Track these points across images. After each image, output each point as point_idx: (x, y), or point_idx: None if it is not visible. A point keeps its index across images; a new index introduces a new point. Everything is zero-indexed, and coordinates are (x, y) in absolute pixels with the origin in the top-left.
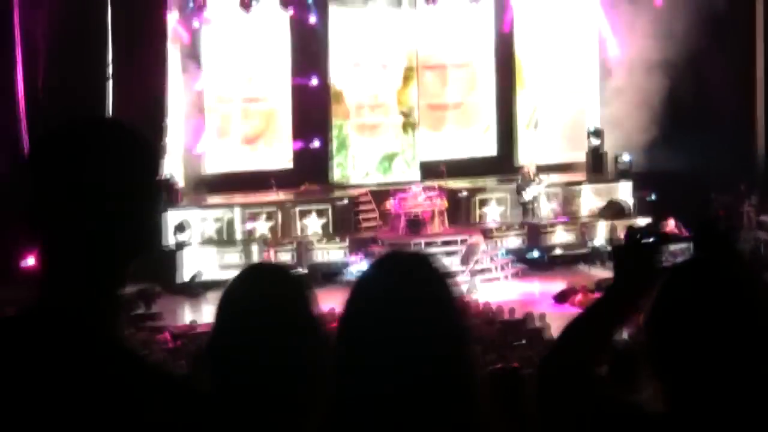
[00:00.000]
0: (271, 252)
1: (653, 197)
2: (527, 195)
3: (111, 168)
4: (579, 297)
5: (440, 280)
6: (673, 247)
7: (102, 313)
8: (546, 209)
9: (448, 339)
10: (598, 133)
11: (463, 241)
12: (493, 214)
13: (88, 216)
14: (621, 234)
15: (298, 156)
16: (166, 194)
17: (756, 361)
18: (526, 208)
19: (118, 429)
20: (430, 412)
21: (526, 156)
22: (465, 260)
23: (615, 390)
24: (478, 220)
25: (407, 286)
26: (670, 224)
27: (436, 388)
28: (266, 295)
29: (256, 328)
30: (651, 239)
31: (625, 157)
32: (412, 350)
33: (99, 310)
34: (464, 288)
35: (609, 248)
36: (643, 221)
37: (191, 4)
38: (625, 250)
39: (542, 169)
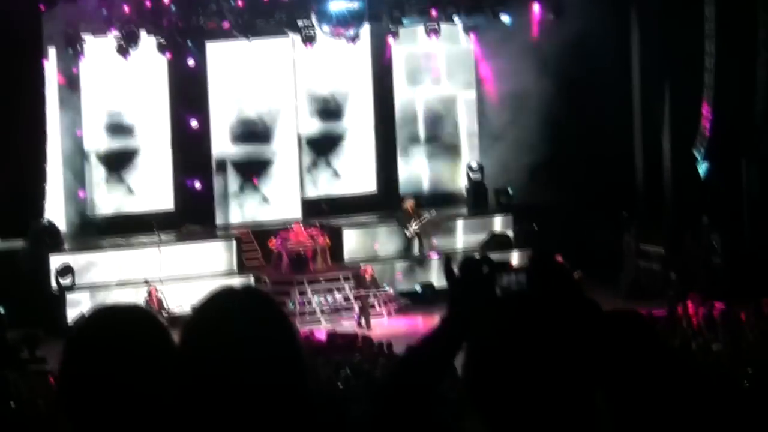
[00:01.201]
0: (156, 292)
1: (535, 227)
2: (409, 231)
3: None
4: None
5: (271, 311)
6: (509, 277)
7: None
8: (427, 244)
9: (280, 365)
10: (478, 168)
11: (346, 278)
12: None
13: None
14: (455, 264)
15: (180, 198)
16: (50, 238)
17: (574, 394)
18: (409, 243)
19: None
20: None
21: (409, 190)
22: (357, 288)
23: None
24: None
25: (239, 319)
26: (557, 258)
27: (271, 411)
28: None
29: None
30: (486, 269)
31: (508, 191)
32: (248, 381)
33: None
34: (356, 319)
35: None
36: (524, 254)
37: (70, 51)
38: (461, 281)
39: (422, 203)
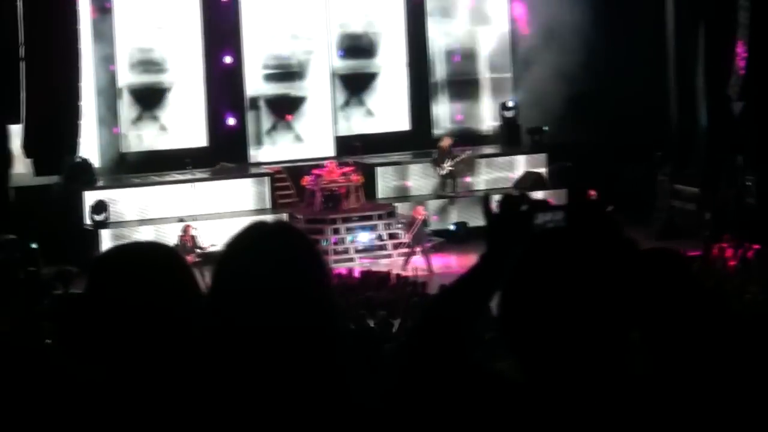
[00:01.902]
0: (190, 230)
1: (569, 165)
2: (444, 169)
3: None
4: None
5: (303, 247)
6: (546, 215)
7: None
8: (459, 183)
9: (311, 305)
10: (511, 105)
11: (379, 216)
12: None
13: None
14: (495, 203)
15: (214, 135)
16: (83, 175)
17: (609, 333)
18: (443, 182)
19: None
20: (293, 374)
21: (443, 129)
22: (410, 231)
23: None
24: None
25: (269, 254)
26: (591, 194)
27: (299, 352)
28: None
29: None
30: (524, 208)
31: (543, 129)
32: (279, 317)
33: None
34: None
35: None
36: (558, 193)
37: None
38: (499, 219)
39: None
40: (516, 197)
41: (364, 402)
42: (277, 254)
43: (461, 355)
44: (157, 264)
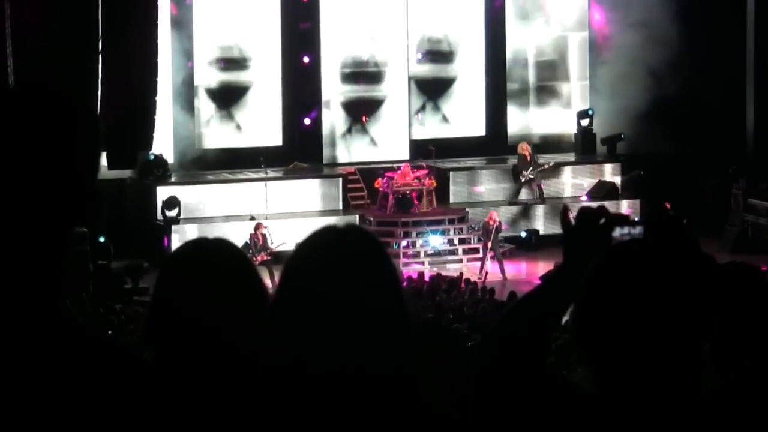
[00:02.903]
0: (262, 228)
1: (641, 174)
2: (524, 176)
3: (40, 134)
4: None
5: (377, 252)
6: (624, 230)
7: (39, 284)
8: (538, 190)
9: (387, 311)
10: (588, 114)
11: (451, 221)
12: (483, 193)
13: (18, 185)
14: (572, 215)
15: (289, 135)
16: (157, 170)
17: (684, 347)
18: (522, 188)
19: (59, 399)
20: (368, 384)
21: (518, 136)
22: (488, 238)
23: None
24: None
25: (343, 257)
26: (666, 208)
27: (372, 362)
28: (205, 269)
29: (196, 301)
30: (602, 221)
31: (620, 136)
32: (348, 322)
33: (35, 280)
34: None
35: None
36: (632, 203)
37: None
38: (577, 232)
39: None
40: (594, 210)
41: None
42: (348, 257)
43: (537, 364)
44: (223, 265)
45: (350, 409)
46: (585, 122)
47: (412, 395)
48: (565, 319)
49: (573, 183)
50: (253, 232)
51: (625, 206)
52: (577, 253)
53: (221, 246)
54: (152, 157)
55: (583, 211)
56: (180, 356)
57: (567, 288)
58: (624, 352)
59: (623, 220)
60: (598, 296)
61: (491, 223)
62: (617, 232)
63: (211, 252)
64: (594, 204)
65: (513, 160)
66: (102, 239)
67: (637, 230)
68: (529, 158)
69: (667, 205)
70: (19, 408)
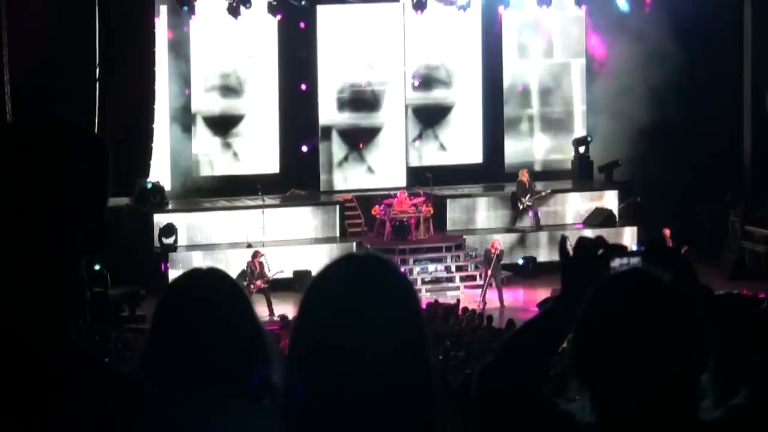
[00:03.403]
0: (260, 257)
1: (638, 200)
2: (522, 204)
3: (55, 165)
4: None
5: (398, 281)
6: (623, 260)
7: (49, 313)
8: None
9: (407, 340)
10: (585, 141)
11: (448, 248)
12: (480, 220)
13: (30, 215)
14: (570, 245)
15: (286, 162)
16: (154, 198)
17: (682, 376)
18: (517, 215)
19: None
20: (387, 414)
21: (515, 164)
22: (489, 265)
23: (554, 390)
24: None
25: (364, 286)
26: (666, 234)
27: (392, 392)
28: (201, 300)
29: (193, 333)
30: (601, 251)
31: (617, 162)
32: (369, 351)
33: (45, 310)
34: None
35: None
36: (629, 229)
37: (183, 9)
38: (576, 262)
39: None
40: (593, 240)
41: None
42: (370, 285)
43: (535, 393)
44: (215, 295)
45: None
46: (582, 149)
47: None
48: (562, 347)
49: (570, 210)
50: (250, 260)
51: (624, 233)
52: (575, 283)
53: (214, 276)
54: (149, 184)
55: (582, 241)
56: (174, 385)
57: (565, 317)
58: (622, 381)
59: (621, 250)
60: (596, 325)
61: (493, 251)
62: (616, 263)
63: (204, 283)
64: (592, 234)
65: (510, 188)
66: (97, 267)
67: (636, 260)
68: (527, 185)
69: (667, 232)
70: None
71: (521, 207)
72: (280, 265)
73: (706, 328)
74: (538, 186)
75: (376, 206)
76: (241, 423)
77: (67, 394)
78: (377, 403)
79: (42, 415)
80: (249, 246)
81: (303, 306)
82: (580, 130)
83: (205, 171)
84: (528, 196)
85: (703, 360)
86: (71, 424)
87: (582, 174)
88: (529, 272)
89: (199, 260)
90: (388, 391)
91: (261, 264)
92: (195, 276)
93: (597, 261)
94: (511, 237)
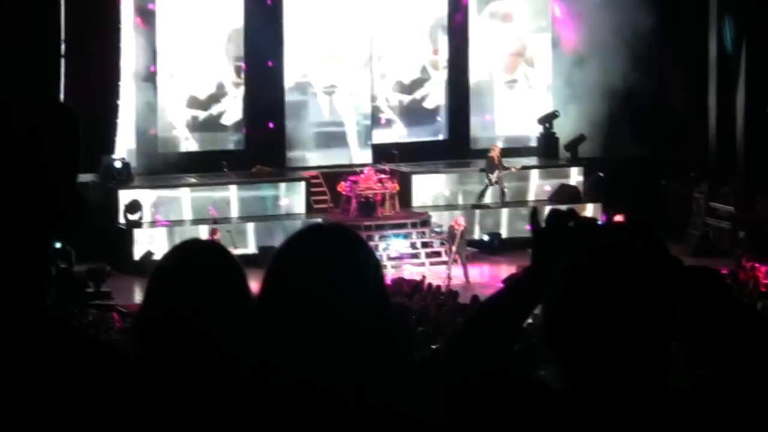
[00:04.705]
0: (219, 233)
1: (600, 175)
2: (492, 179)
3: (26, 134)
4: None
5: (362, 251)
6: (593, 234)
7: (24, 286)
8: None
9: (371, 311)
10: (550, 117)
11: (413, 224)
12: (445, 197)
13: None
14: (542, 217)
15: (252, 138)
16: (119, 174)
17: (652, 345)
18: (484, 191)
19: (42, 394)
20: (351, 386)
21: (481, 139)
22: (453, 242)
23: (520, 365)
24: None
25: (328, 256)
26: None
27: (356, 360)
28: (195, 271)
29: (186, 304)
30: (572, 223)
31: (582, 136)
32: (333, 320)
33: (20, 282)
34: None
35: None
36: (594, 207)
37: None
38: (546, 234)
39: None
40: (564, 212)
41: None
42: (336, 256)
43: (504, 364)
44: (218, 269)
45: (332, 410)
46: (547, 126)
47: (393, 397)
48: (528, 321)
49: (536, 187)
50: (209, 237)
51: (588, 210)
52: (546, 255)
53: (212, 249)
54: (115, 160)
55: (554, 213)
56: (167, 353)
57: (534, 289)
58: (593, 350)
59: (592, 224)
60: (569, 294)
61: (457, 227)
62: (589, 236)
63: (204, 253)
64: (564, 207)
65: (476, 164)
66: (59, 244)
67: (607, 234)
68: (497, 161)
69: (621, 214)
70: (5, 406)
71: (489, 183)
72: (246, 241)
73: (675, 298)
74: (506, 162)
75: (342, 183)
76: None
77: (46, 362)
78: (341, 374)
79: (21, 385)
80: (215, 222)
81: (268, 275)
82: (546, 107)
83: (171, 147)
84: (496, 172)
85: (673, 329)
86: (49, 393)
87: (547, 151)
88: (494, 249)
89: (165, 237)
90: (351, 362)
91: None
92: (191, 248)
93: (568, 233)
94: (476, 213)
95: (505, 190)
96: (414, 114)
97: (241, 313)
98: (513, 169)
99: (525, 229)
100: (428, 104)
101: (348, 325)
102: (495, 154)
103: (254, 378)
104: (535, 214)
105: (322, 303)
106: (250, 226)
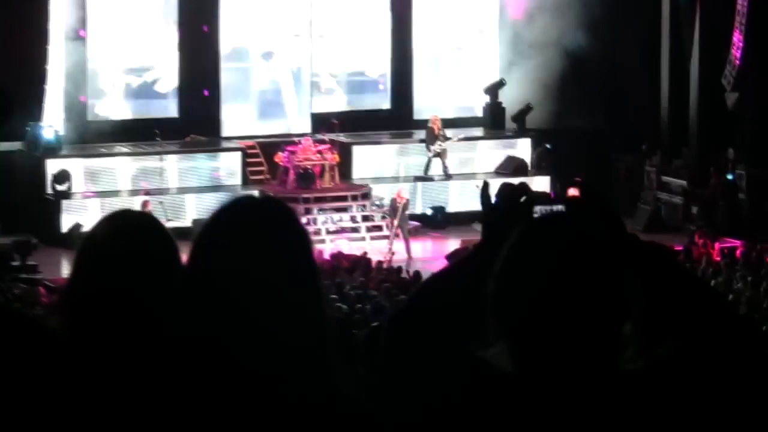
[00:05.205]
0: (151, 205)
1: (548, 147)
2: (433, 150)
3: None
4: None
5: (291, 224)
6: (546, 208)
7: None
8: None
9: (300, 288)
10: (497, 87)
11: (354, 197)
12: (387, 169)
13: None
14: (492, 191)
15: (186, 107)
16: (47, 143)
17: (604, 326)
18: (428, 163)
19: None
20: (280, 369)
21: (425, 110)
22: (395, 216)
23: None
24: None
25: (255, 230)
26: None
27: (284, 340)
28: (125, 243)
29: (115, 277)
30: (524, 198)
31: (529, 106)
32: (260, 297)
33: None
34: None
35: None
36: (542, 179)
37: None
38: (497, 208)
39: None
40: (516, 187)
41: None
42: (264, 230)
43: (447, 340)
44: (150, 239)
45: (259, 387)
46: (494, 96)
47: (323, 375)
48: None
49: (481, 159)
50: (140, 208)
51: (536, 182)
52: (496, 230)
53: (144, 220)
54: (43, 128)
55: (505, 187)
56: (95, 329)
57: (485, 263)
58: (543, 330)
59: (545, 198)
60: (518, 270)
61: (398, 200)
62: (538, 210)
63: (134, 225)
64: (515, 180)
65: (420, 135)
66: None
67: (559, 209)
68: (437, 132)
69: (577, 181)
70: None
71: (430, 154)
72: (174, 215)
73: (629, 277)
74: (449, 133)
75: (280, 153)
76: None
77: None
78: (268, 355)
79: None
80: (147, 194)
81: (194, 249)
82: (493, 75)
83: (101, 115)
84: (437, 143)
85: (626, 309)
86: None
87: (494, 122)
88: (437, 223)
89: (96, 208)
90: (279, 342)
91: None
92: (121, 220)
93: (520, 208)
94: (419, 186)
95: (446, 162)
96: (356, 82)
97: (172, 288)
98: (455, 140)
99: (469, 202)
100: (371, 72)
101: (276, 302)
102: (435, 124)
103: (180, 354)
104: (486, 188)
105: (249, 278)
106: (184, 198)
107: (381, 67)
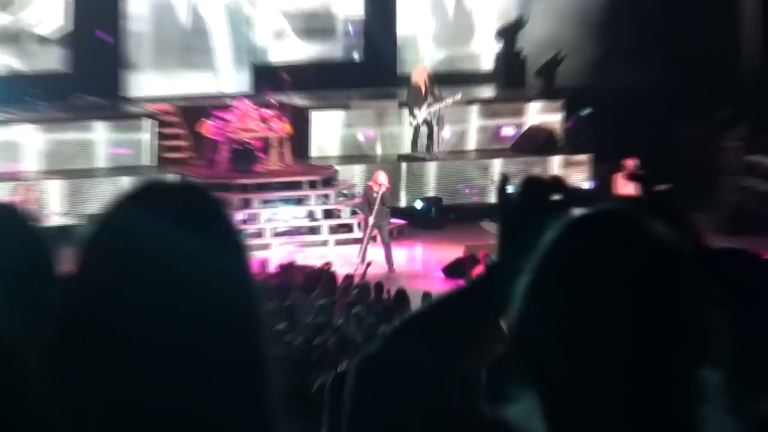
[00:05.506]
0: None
1: (587, 113)
2: (419, 117)
3: None
4: (480, 269)
5: (216, 222)
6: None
7: None
8: (438, 138)
9: (228, 312)
10: (514, 28)
11: (312, 184)
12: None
13: None
14: (511, 184)
15: (76, 57)
16: None
17: (677, 370)
18: (415, 134)
19: None
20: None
21: (410, 62)
22: (370, 210)
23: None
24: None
25: (164, 231)
26: (629, 165)
27: (207, 400)
28: None
29: None
30: (556, 198)
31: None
32: (169, 329)
33: None
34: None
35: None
36: (577, 158)
37: None
38: (519, 212)
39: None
40: (545, 181)
41: None
42: (179, 228)
43: (441, 398)
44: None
45: None
46: (508, 45)
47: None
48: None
49: (491, 130)
50: (21, 198)
51: (571, 166)
52: (518, 242)
53: (10, 213)
54: None
55: (530, 182)
56: None
57: (500, 288)
58: (587, 377)
59: (584, 198)
60: (556, 291)
61: (376, 188)
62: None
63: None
64: (523, 166)
65: (403, 96)
66: None
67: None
68: (425, 91)
69: (630, 163)
70: None
71: (415, 123)
72: (65, 206)
73: (711, 302)
74: (444, 92)
75: (206, 121)
76: None
77: None
78: (181, 411)
79: None
80: (16, 178)
81: (84, 255)
82: (507, 12)
83: None
84: (425, 107)
85: (706, 347)
86: None
87: (509, 77)
88: (430, 220)
89: None
90: (200, 410)
91: (38, 203)
92: None
93: (550, 211)
94: (403, 168)
95: (441, 133)
96: (315, 23)
97: (42, 304)
98: (451, 101)
99: (475, 191)
100: (335, 9)
101: (192, 336)
102: (421, 80)
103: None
104: (504, 182)
105: (155, 301)
106: (68, 184)
107: (350, 3)
